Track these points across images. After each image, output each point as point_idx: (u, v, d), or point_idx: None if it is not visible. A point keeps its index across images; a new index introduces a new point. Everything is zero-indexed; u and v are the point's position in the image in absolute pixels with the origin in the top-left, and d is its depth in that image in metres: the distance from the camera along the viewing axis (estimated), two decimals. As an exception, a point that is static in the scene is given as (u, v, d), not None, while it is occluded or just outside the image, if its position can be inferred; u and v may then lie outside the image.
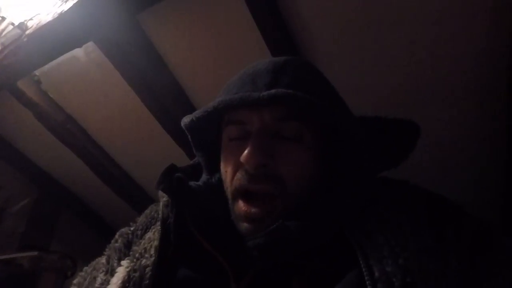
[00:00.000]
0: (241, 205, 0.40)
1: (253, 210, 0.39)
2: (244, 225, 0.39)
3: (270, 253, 0.36)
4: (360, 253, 0.33)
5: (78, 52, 1.12)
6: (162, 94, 1.19)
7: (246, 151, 0.38)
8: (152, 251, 0.40)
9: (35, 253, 1.37)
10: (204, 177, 0.50)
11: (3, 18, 1.03)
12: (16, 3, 1.06)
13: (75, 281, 0.52)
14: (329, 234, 0.37)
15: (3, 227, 1.56)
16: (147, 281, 0.37)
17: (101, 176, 1.62)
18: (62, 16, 0.95)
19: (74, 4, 0.91)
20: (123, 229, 0.50)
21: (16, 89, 1.26)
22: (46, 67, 1.18)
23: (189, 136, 0.48)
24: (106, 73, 1.21)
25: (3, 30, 1.05)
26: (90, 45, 1.11)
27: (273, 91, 0.38)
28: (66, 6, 0.94)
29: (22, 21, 1.04)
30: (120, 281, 0.39)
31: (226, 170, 0.43)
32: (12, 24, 1.04)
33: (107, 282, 0.41)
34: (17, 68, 1.10)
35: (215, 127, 0.47)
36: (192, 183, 0.47)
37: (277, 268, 0.37)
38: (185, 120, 0.46)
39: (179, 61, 1.16)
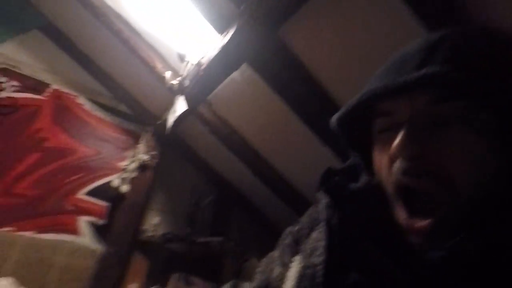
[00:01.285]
0: (402, 213, 0.36)
1: (417, 224, 0.34)
2: (411, 237, 0.35)
3: (450, 267, 0.31)
4: None
5: (235, 74, 1.35)
6: (309, 102, 1.25)
7: (396, 140, 0.34)
8: (321, 250, 0.41)
9: (220, 239, 1.73)
10: (364, 178, 0.48)
11: (188, 62, 1.37)
12: (193, 48, 1.39)
13: (258, 269, 0.60)
14: None
15: (199, 217, 2.07)
16: (320, 279, 0.39)
17: (260, 177, 1.87)
18: (223, 48, 1.17)
19: (231, 36, 1.10)
20: (289, 228, 0.54)
21: (197, 113, 1.65)
22: (214, 91, 1.49)
23: (339, 136, 0.46)
24: (258, 89, 1.39)
25: (188, 70, 1.41)
26: (243, 66, 1.31)
27: (422, 71, 0.32)
28: (225, 39, 1.15)
29: (198, 60, 1.35)
30: (295, 276, 0.42)
31: (379, 167, 0.40)
32: (192, 64, 1.37)
33: (283, 275, 0.46)
34: (198, 97, 1.43)
35: (365, 123, 0.44)
36: (352, 185, 0.46)
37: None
38: (333, 119, 0.45)
39: (321, 67, 1.18)
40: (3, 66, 1.84)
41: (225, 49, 1.16)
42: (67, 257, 1.69)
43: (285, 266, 0.47)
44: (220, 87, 1.43)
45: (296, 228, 0.52)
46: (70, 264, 1.67)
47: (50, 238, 1.74)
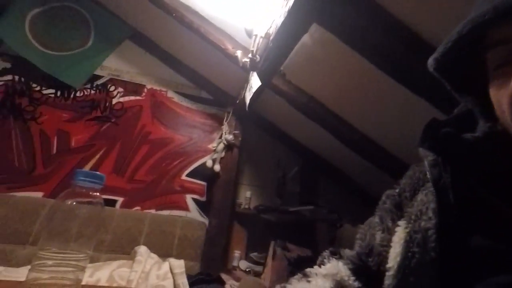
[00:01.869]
0: None
1: None
2: None
3: None
4: None
5: (305, 38, 1.29)
6: (394, 51, 1.11)
7: None
8: (431, 214, 0.37)
9: (311, 207, 1.76)
10: (482, 125, 0.40)
11: (256, 36, 1.37)
12: (259, 21, 1.38)
13: (357, 236, 0.56)
14: None
15: (287, 188, 2.14)
16: (433, 244, 0.35)
17: (344, 141, 1.79)
18: (289, 12, 1.12)
19: (295, -3, 1.05)
20: (388, 191, 0.51)
21: (272, 86, 1.66)
22: (286, 61, 1.46)
23: (442, 81, 0.40)
24: (332, 48, 1.30)
25: (257, 44, 1.41)
26: (312, 27, 1.24)
27: None
28: (290, 2, 1.10)
29: (265, 32, 1.34)
30: (402, 241, 0.39)
31: (500, 109, 0.33)
32: (261, 37, 1.36)
33: (387, 240, 0.43)
34: (271, 69, 1.43)
35: (474, 60, 0.36)
36: (468, 135, 0.40)
37: None
38: (430, 62, 0.38)
39: (404, 5, 1.02)
40: (110, 76, 2.20)
41: (291, 13, 1.11)
42: (182, 229, 1.99)
43: (388, 231, 0.45)
44: (291, 55, 1.39)
45: (396, 191, 0.49)
46: (185, 234, 1.97)
47: (167, 214, 2.08)
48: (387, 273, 0.39)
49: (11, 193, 1.79)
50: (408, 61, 1.10)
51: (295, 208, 1.85)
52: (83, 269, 0.46)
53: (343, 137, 1.76)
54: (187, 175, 2.19)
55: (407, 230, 0.40)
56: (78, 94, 2.11)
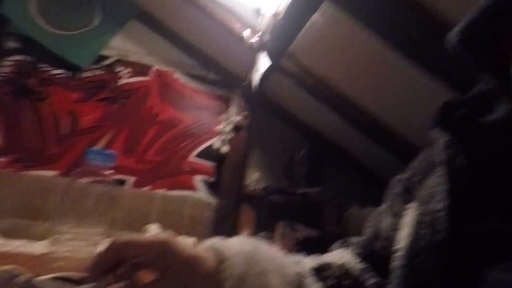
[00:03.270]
0: None
1: None
2: None
3: None
4: None
5: (315, 17, 1.25)
6: (409, 28, 1.06)
7: None
8: (443, 195, 0.36)
9: (319, 189, 1.77)
10: (503, 105, 0.38)
11: (264, 15, 1.34)
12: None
13: (366, 224, 0.55)
14: None
15: (295, 170, 2.15)
16: (443, 225, 0.35)
17: (352, 123, 1.77)
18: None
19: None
20: (397, 176, 0.50)
21: (280, 67, 1.63)
22: (295, 41, 1.43)
23: (463, 56, 0.38)
24: (343, 27, 1.26)
25: (265, 24, 1.38)
26: (323, 5, 1.19)
27: None
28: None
29: (274, 10, 1.30)
30: (412, 223, 0.38)
31: None
32: (269, 16, 1.33)
33: (396, 224, 0.43)
34: (279, 50, 1.40)
35: (501, 33, 0.34)
36: (485, 117, 0.38)
37: None
38: (451, 37, 0.36)
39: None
40: (117, 57, 2.19)
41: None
42: (191, 209, 2.04)
43: (397, 216, 0.44)
44: (300, 34, 1.36)
45: (406, 175, 0.48)
46: (194, 214, 2.02)
47: (176, 194, 2.12)
48: (395, 254, 0.40)
49: (26, 172, 1.84)
50: (425, 39, 1.06)
51: (302, 190, 1.86)
52: (97, 243, 0.47)
53: (352, 120, 1.74)
54: (196, 156, 2.22)
55: (418, 212, 0.39)
56: (86, 74, 2.12)
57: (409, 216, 0.40)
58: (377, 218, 0.50)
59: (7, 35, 2.00)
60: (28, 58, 2.03)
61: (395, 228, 0.43)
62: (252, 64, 1.77)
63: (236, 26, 1.61)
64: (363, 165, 2.21)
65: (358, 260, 0.46)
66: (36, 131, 1.98)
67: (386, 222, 0.46)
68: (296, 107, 2.14)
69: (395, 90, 1.44)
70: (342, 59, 1.47)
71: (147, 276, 0.29)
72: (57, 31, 2.05)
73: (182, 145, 2.20)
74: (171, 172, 2.15)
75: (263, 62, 1.50)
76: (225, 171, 2.20)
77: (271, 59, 1.48)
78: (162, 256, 0.29)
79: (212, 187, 2.20)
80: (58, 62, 2.05)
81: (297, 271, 0.36)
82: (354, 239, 0.52)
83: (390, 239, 0.44)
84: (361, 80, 1.53)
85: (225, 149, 2.17)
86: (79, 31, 2.09)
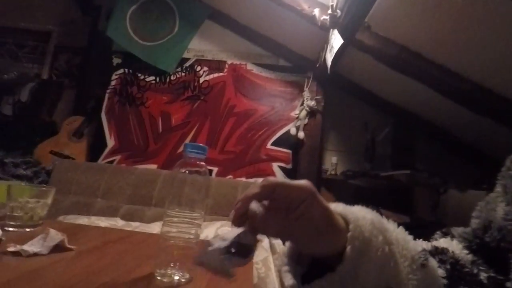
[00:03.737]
0: None
1: None
2: None
3: None
4: None
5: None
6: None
7: None
8: None
9: (408, 171, 1.60)
10: None
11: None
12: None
13: (473, 214, 0.47)
14: None
15: (377, 151, 2.00)
16: None
17: (448, 94, 1.53)
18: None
19: None
20: None
21: (356, 42, 1.51)
22: (371, 11, 1.30)
23: None
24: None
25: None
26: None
27: None
28: None
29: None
30: None
31: None
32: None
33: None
34: (354, 23, 1.30)
35: None
36: None
37: None
38: None
39: None
40: (196, 57, 2.39)
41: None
42: (271, 195, 2.11)
43: None
44: (377, 2, 1.23)
45: None
46: (275, 200, 2.08)
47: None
48: None
49: (135, 166, 2.21)
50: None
51: (387, 173, 1.72)
52: (199, 226, 0.54)
53: (446, 89, 1.50)
54: (272, 144, 2.27)
55: None
56: (172, 78, 2.38)
57: None
58: (488, 205, 0.44)
59: (113, 54, 2.40)
60: (128, 70, 2.40)
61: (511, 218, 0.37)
62: (324, 44, 1.70)
63: (305, 6, 1.56)
64: (462, 141, 1.90)
65: (466, 251, 0.41)
66: (140, 132, 2.35)
67: (501, 209, 0.40)
68: (375, 84, 1.97)
69: (499, 49, 1.18)
70: (428, 22, 1.27)
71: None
72: (146, 43, 2.36)
73: (258, 134, 2.29)
74: (249, 160, 2.27)
75: (337, 40, 1.41)
76: (302, 157, 2.20)
77: (345, 35, 1.39)
78: (307, 199, 0.31)
79: (290, 173, 2.23)
80: (150, 70, 2.36)
81: (422, 248, 0.34)
82: (459, 230, 0.46)
83: (506, 230, 0.38)
84: (454, 43, 1.30)
85: (301, 134, 2.16)
86: (164, 40, 2.36)
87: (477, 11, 1.10)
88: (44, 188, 0.78)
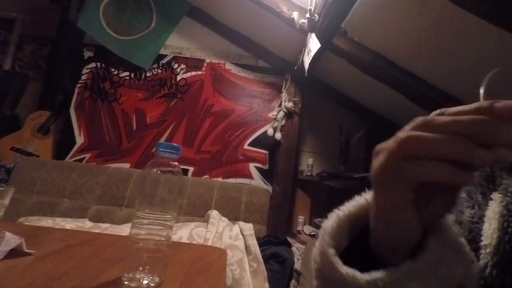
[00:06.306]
0: None
1: None
2: None
3: None
4: None
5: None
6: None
7: None
8: None
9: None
10: None
11: (313, -8, 1.28)
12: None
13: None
14: None
15: (351, 153, 2.06)
16: None
17: (417, 101, 1.60)
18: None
19: None
20: None
21: (332, 46, 1.54)
22: (347, 16, 1.33)
23: None
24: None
25: (315, 2, 1.31)
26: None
27: None
28: None
29: (323, -14, 1.23)
30: (497, 215, 0.36)
31: None
32: (318, -7, 1.26)
33: (478, 216, 0.40)
34: (331, 28, 1.32)
35: None
36: None
37: None
38: None
39: None
40: (173, 54, 2.33)
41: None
42: (248, 196, 2.10)
43: (479, 206, 0.41)
44: (353, 9, 1.26)
45: None
46: (251, 201, 2.08)
47: (233, 181, 2.21)
48: (482, 251, 0.37)
49: (107, 165, 2.11)
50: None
51: (360, 175, 1.78)
52: (171, 227, 0.52)
53: (416, 96, 1.58)
54: (249, 144, 2.27)
55: (503, 203, 0.36)
56: (148, 74, 2.31)
57: (494, 207, 0.37)
58: (456, 209, 0.46)
59: (84, 46, 2.28)
60: (100, 64, 2.29)
61: (478, 221, 0.40)
62: (302, 47, 1.72)
63: (284, 8, 1.57)
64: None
65: None
66: (113, 129, 2.25)
67: (467, 213, 0.42)
68: (351, 88, 2.03)
69: (466, 59, 1.26)
70: (403, 31, 1.33)
71: None
72: (121, 37, 2.26)
73: (236, 134, 2.28)
74: (226, 161, 2.25)
75: (314, 43, 1.44)
76: (279, 158, 2.21)
77: (322, 39, 1.41)
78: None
79: (267, 174, 2.24)
80: (125, 65, 2.27)
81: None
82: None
83: (474, 233, 0.40)
84: (427, 53, 1.37)
85: (278, 135, 2.17)
86: (140, 34, 2.28)
87: (445, 24, 1.16)
88: (0, 188, 0.72)
